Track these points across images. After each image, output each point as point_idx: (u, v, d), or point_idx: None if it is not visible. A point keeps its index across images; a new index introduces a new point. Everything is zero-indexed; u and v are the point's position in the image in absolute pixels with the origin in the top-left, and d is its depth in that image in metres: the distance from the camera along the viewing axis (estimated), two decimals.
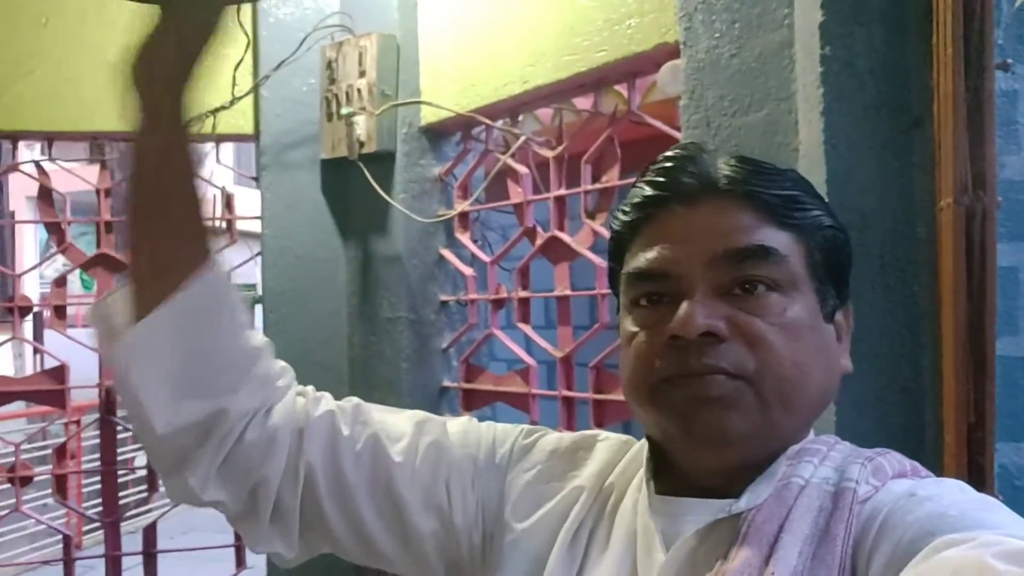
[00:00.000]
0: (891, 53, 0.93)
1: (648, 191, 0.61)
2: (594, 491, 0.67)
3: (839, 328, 0.62)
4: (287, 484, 0.69)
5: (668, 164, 0.62)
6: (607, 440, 0.72)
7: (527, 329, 1.57)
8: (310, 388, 0.75)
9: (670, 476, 0.62)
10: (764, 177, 0.60)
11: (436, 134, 1.71)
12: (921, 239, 0.89)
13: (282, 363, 0.73)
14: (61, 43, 1.73)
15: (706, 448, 0.58)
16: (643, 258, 0.60)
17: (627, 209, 0.63)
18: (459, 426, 0.74)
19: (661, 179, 0.61)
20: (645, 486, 0.62)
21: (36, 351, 1.86)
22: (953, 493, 0.54)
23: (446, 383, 1.72)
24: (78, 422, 1.99)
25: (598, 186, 1.45)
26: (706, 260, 0.57)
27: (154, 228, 0.66)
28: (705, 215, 0.59)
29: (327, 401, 0.74)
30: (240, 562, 1.90)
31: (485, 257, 1.66)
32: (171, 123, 0.65)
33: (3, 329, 2.08)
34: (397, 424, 0.73)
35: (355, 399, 0.75)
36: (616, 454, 0.69)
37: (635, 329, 0.60)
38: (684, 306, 0.56)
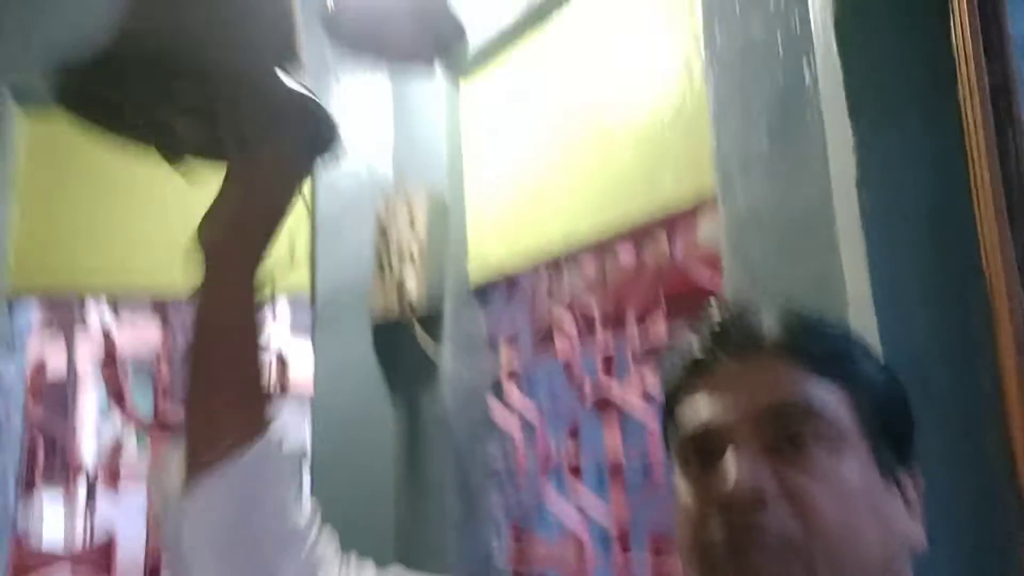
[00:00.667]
0: (936, 200, 0.91)
1: (696, 347, 0.61)
2: None
3: (906, 493, 0.58)
4: None
5: (716, 320, 0.61)
6: None
7: (581, 493, 1.50)
8: (352, 556, 0.72)
9: None
10: (810, 333, 0.59)
11: (483, 291, 1.74)
12: (987, 394, 0.83)
13: (328, 530, 0.71)
14: (131, 209, 1.84)
15: None
16: (690, 413, 0.59)
17: (676, 365, 0.62)
18: None
19: (709, 336, 0.61)
20: None
21: (87, 515, 1.85)
22: None
23: (495, 548, 1.64)
24: None
25: (644, 335, 1.43)
26: (752, 415, 0.56)
27: (213, 392, 0.67)
28: (751, 370, 0.58)
29: (368, 571, 0.71)
30: None
31: (534, 420, 1.63)
32: (239, 287, 0.67)
33: (56, 488, 2.12)
34: None
35: (398, 569, 0.72)
36: None
37: (685, 487, 0.58)
38: (729, 463, 0.54)
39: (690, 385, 0.60)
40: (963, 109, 0.84)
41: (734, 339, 0.59)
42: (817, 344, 0.58)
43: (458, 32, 0.91)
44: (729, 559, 0.53)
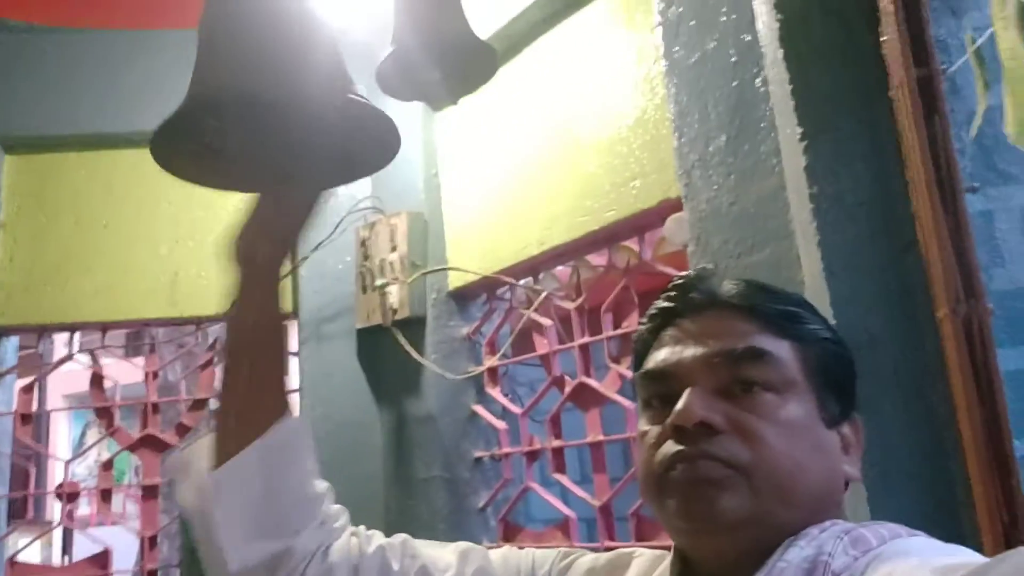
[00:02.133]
0: (875, 187, 1.03)
1: (662, 304, 0.69)
2: None
3: (846, 440, 0.65)
4: None
5: (680, 282, 0.69)
6: (641, 556, 0.73)
7: (564, 479, 1.58)
8: (362, 527, 0.80)
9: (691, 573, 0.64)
10: (764, 294, 0.67)
11: (463, 297, 1.82)
12: (930, 352, 0.94)
13: (338, 506, 0.79)
14: (117, 240, 1.90)
15: (702, 533, 0.60)
16: (652, 360, 0.66)
17: (644, 322, 0.70)
18: (500, 554, 0.78)
19: (673, 294, 0.68)
20: None
21: (64, 547, 1.86)
22: (919, 545, 0.55)
23: (484, 544, 1.70)
24: None
25: (619, 332, 1.52)
26: (706, 360, 0.63)
27: (245, 383, 0.74)
28: (708, 322, 0.65)
29: (377, 538, 0.78)
30: None
31: (516, 409, 1.71)
32: (267, 295, 0.75)
33: (27, 528, 2.10)
34: (442, 556, 0.77)
35: (403, 535, 0.79)
36: (651, 566, 0.71)
37: (646, 428, 0.65)
38: (683, 397, 0.61)
39: (655, 340, 0.68)
40: (896, 100, 0.95)
41: (694, 297, 0.67)
42: (769, 304, 0.65)
43: (488, 67, 1.00)
44: (679, 477, 0.60)
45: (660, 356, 0.65)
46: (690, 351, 0.64)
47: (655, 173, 1.39)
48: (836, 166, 1.05)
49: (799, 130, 1.08)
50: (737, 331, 0.64)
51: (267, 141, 0.71)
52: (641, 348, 0.69)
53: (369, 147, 0.74)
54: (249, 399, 0.74)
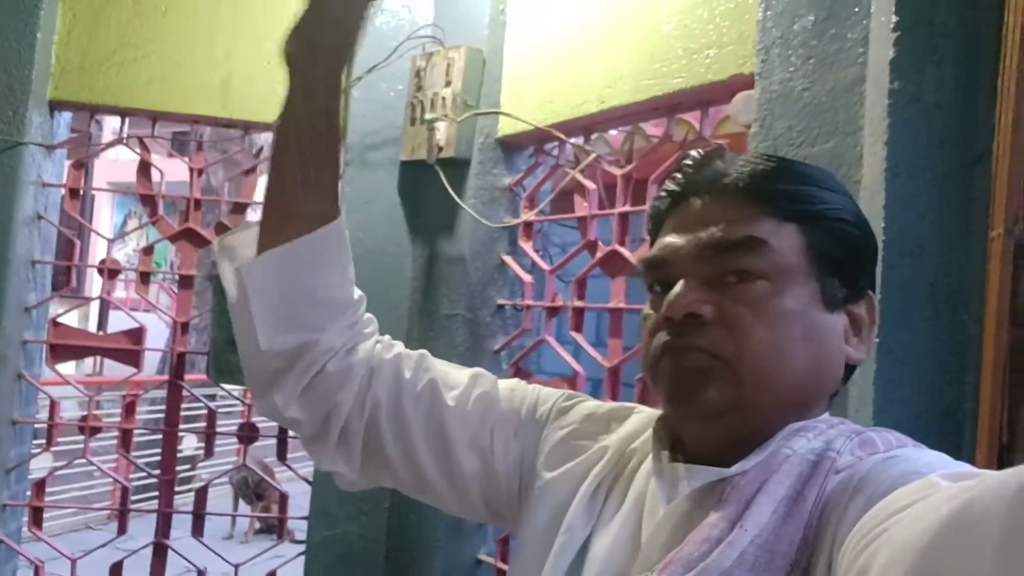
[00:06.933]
0: (960, 91, 0.97)
1: (670, 187, 0.67)
2: (617, 453, 0.72)
3: (856, 319, 0.64)
4: (355, 412, 0.78)
5: (689, 163, 0.67)
6: (641, 413, 0.76)
7: (579, 338, 1.62)
8: (387, 337, 0.83)
9: (681, 446, 0.66)
10: (771, 173, 0.64)
11: (510, 146, 1.80)
12: (975, 269, 0.92)
13: (370, 315, 0.82)
14: (175, 32, 1.87)
15: (688, 418, 0.63)
16: (655, 248, 0.66)
17: (654, 205, 0.69)
18: (508, 384, 0.82)
19: (680, 176, 0.67)
20: (654, 452, 0.67)
21: (100, 324, 1.96)
22: (930, 456, 0.56)
23: None
24: (135, 398, 2.07)
25: None
26: (699, 251, 0.62)
27: (297, 176, 0.76)
28: (710, 207, 0.64)
29: (398, 348, 0.82)
30: (281, 535, 1.98)
31: (545, 266, 1.73)
32: (326, 97, 0.75)
33: (67, 298, 2.19)
34: (454, 375, 0.81)
35: (423, 351, 0.83)
36: (644, 424, 0.73)
37: (648, 313, 0.66)
38: (674, 289, 0.61)
39: (663, 223, 0.67)
40: (1007, 9, 0.89)
41: (699, 179, 0.65)
42: (775, 184, 0.63)
43: None
44: (667, 367, 0.61)
45: (660, 244, 0.65)
46: (686, 240, 0.63)
47: (732, 45, 1.33)
48: (924, 63, 1.00)
49: (894, 19, 1.01)
50: (736, 217, 0.62)
51: None
52: (653, 226, 0.69)
53: None
54: (298, 199, 0.76)
